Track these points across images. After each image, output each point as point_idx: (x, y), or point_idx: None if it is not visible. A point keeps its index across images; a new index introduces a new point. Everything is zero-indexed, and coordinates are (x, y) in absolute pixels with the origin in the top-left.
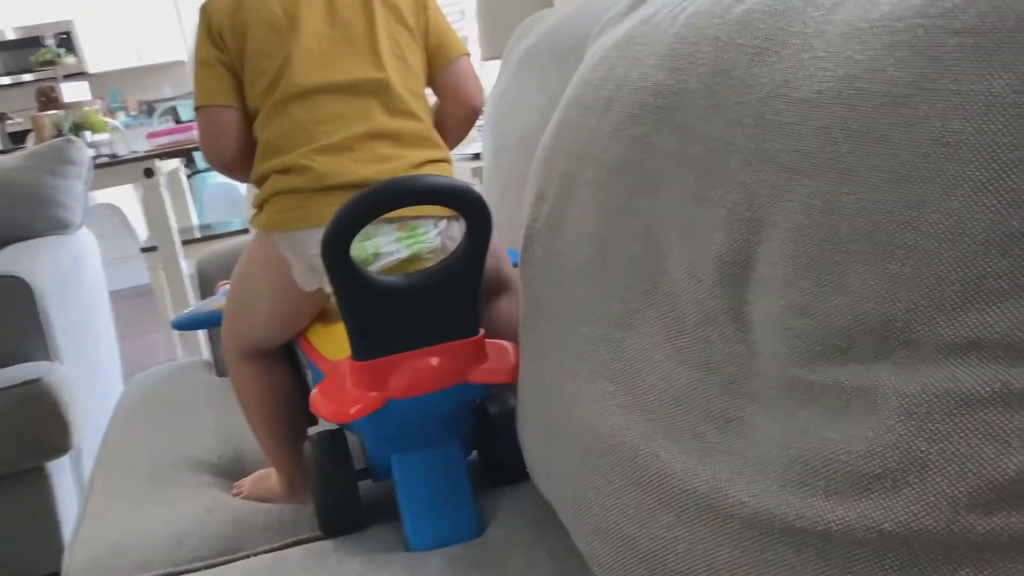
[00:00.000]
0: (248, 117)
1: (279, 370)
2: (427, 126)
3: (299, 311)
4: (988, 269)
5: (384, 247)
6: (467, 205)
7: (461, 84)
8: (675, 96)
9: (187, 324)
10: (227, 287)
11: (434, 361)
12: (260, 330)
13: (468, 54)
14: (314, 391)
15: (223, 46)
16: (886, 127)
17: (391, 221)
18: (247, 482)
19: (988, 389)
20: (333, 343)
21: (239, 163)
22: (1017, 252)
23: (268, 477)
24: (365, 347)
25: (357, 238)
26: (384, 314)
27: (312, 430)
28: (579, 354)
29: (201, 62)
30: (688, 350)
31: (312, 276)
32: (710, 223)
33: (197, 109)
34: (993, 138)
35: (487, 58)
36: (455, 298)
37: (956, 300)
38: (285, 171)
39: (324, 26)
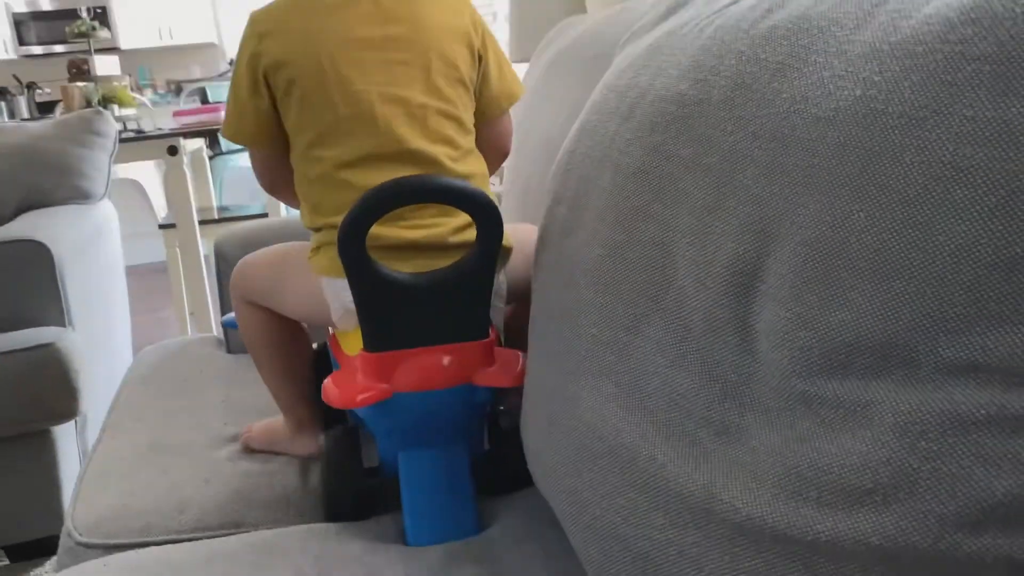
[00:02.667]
0: (287, 149)
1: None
2: (478, 181)
3: (323, 325)
4: (991, 293)
5: None
6: (478, 208)
7: (501, 139)
8: (696, 106)
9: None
10: None
11: (440, 359)
12: (280, 311)
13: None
14: (327, 380)
15: (263, 92)
16: (900, 149)
17: None
18: (256, 427)
19: (983, 412)
20: (355, 341)
21: (280, 191)
22: (1020, 278)
23: (276, 424)
24: (376, 339)
25: None
26: (395, 309)
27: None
28: (585, 355)
29: (237, 97)
30: (692, 356)
31: (349, 318)
32: (722, 232)
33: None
34: (1004, 164)
35: (517, 60)
36: (465, 299)
37: (958, 322)
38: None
39: (379, 85)
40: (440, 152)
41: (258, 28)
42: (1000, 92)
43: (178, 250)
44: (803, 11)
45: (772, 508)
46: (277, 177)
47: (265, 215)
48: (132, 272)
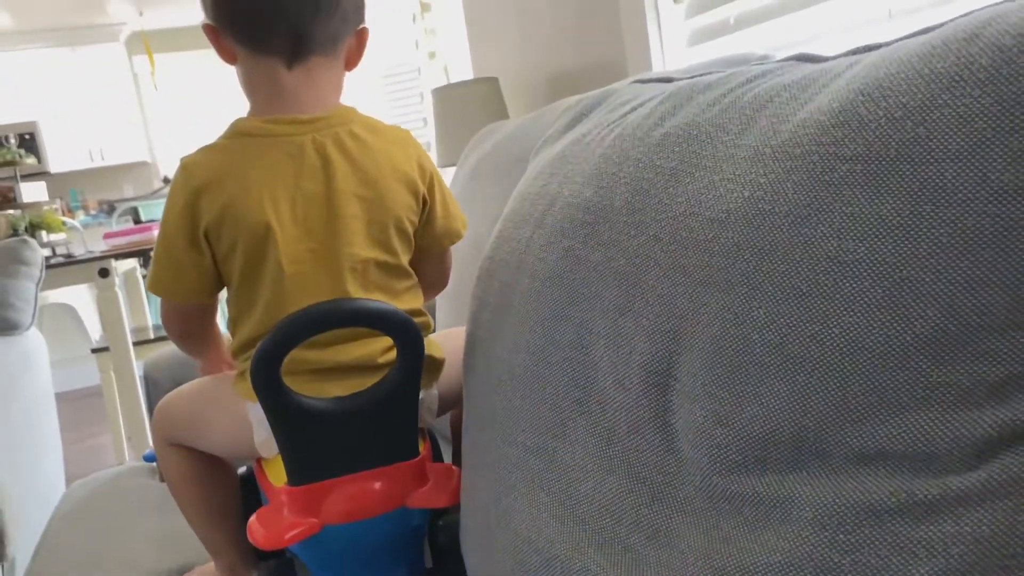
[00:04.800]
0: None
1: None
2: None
3: (249, 458)
4: (888, 381)
5: None
6: (396, 327)
7: (442, 272)
8: (600, 212)
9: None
10: None
11: (370, 485)
12: (202, 448)
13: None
14: (251, 518)
15: (204, 249)
16: (788, 246)
17: None
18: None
19: (894, 500)
20: (280, 470)
21: (193, 340)
22: (913, 365)
23: (209, 569)
24: (299, 472)
25: None
26: (317, 438)
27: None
28: (516, 463)
29: (171, 255)
30: (619, 459)
31: (272, 444)
32: (634, 333)
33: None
34: (885, 257)
35: (443, 165)
36: (390, 421)
37: (861, 411)
38: None
39: (323, 243)
40: (379, 295)
41: (192, 182)
42: (873, 189)
43: (112, 374)
44: (692, 118)
45: None
46: (196, 328)
47: None
48: (66, 398)
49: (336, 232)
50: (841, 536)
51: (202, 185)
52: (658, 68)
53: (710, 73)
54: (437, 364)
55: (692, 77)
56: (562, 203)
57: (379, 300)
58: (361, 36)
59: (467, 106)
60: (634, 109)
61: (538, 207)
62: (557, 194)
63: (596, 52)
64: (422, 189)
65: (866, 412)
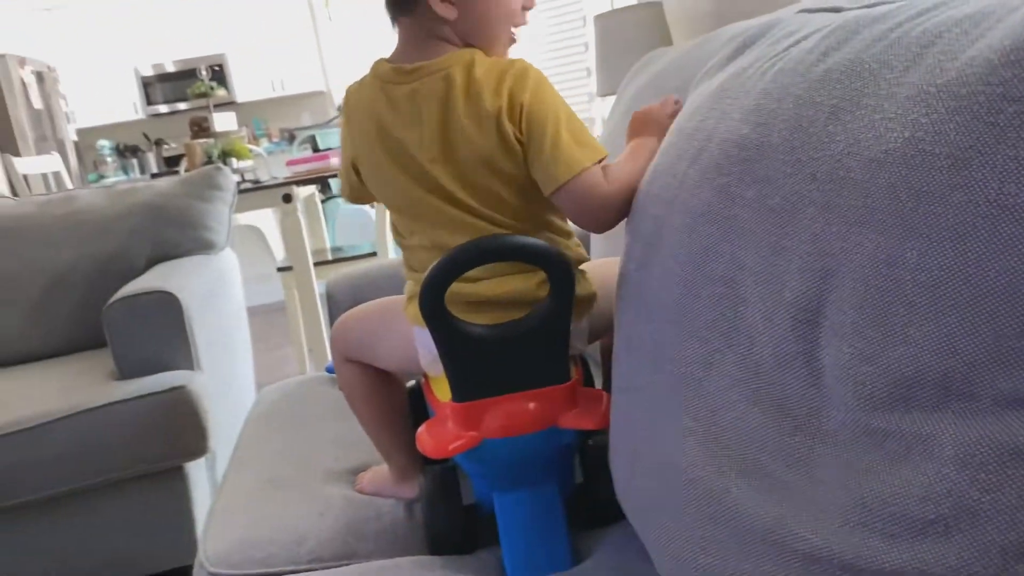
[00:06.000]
0: None
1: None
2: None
3: (417, 374)
4: None
5: None
6: (550, 262)
7: (568, 214)
8: (757, 149)
9: None
10: None
11: (525, 405)
12: (376, 364)
13: (579, 174)
14: (420, 428)
15: (352, 170)
16: (947, 188)
17: None
18: (365, 477)
19: None
20: (445, 386)
21: None
22: None
23: (382, 471)
24: (462, 390)
25: None
26: (477, 360)
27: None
28: (663, 392)
29: (344, 164)
30: (764, 391)
31: (437, 364)
32: (785, 271)
33: None
34: None
35: (603, 94)
36: (543, 348)
37: (1013, 356)
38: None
39: (423, 190)
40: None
41: (346, 111)
42: None
43: (295, 291)
44: (856, 54)
45: (840, 539)
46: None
47: (374, 254)
48: (254, 312)
49: (429, 179)
50: (982, 475)
51: (347, 117)
52: None
53: (881, 3)
54: (589, 299)
55: (861, 7)
56: (719, 139)
57: (537, 239)
58: None
59: (629, 32)
60: (797, 42)
61: (694, 143)
62: (714, 130)
63: None
64: (508, 127)
65: (1018, 356)
